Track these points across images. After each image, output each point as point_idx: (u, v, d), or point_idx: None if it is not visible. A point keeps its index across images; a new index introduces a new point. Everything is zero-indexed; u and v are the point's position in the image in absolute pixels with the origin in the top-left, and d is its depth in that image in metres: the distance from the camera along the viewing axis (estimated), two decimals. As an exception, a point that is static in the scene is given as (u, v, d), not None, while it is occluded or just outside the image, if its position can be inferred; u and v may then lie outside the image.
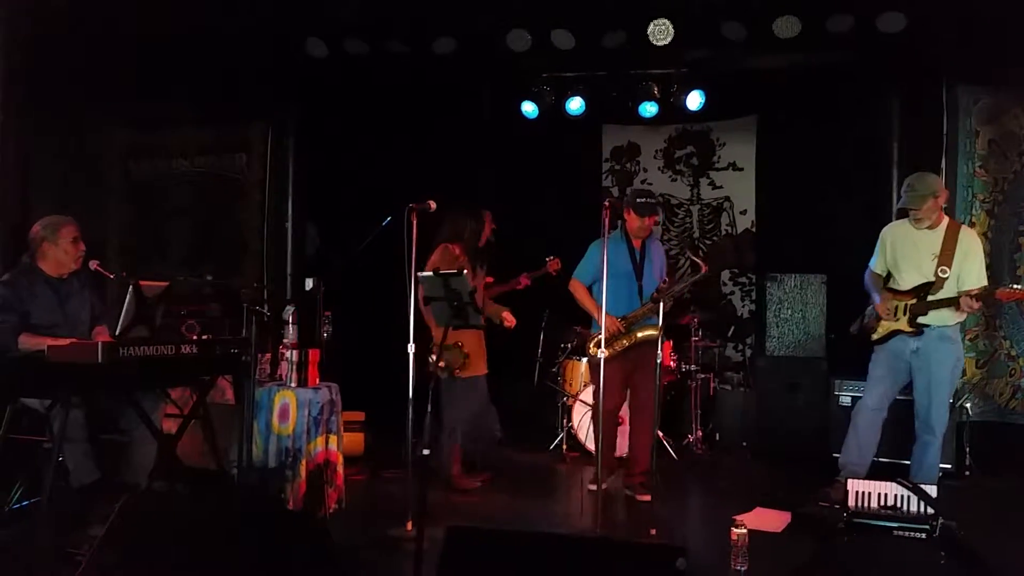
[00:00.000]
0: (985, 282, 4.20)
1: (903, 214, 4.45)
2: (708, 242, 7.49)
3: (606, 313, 4.46)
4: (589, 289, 4.70)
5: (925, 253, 4.28)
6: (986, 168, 5.40)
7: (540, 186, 7.22)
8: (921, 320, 4.25)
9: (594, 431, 4.78)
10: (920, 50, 5.36)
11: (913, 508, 3.54)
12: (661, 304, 4.49)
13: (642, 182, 7.59)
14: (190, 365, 3.64)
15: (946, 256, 4.20)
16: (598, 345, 4.58)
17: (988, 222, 5.38)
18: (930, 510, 3.48)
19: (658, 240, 4.97)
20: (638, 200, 4.59)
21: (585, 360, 5.82)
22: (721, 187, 7.46)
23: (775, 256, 6.78)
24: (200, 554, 2.79)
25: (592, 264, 4.65)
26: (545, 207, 7.19)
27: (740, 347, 7.23)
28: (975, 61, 5.28)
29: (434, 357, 4.12)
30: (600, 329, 4.56)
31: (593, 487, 4.41)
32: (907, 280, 4.34)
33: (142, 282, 3.58)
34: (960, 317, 4.30)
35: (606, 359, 4.45)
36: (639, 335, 4.54)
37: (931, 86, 5.48)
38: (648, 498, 4.46)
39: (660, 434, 5.51)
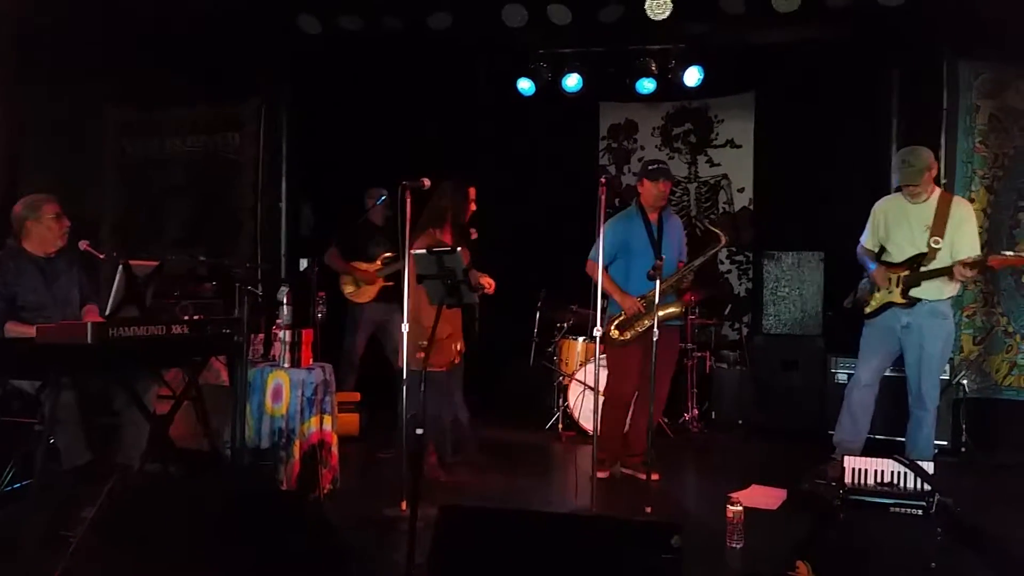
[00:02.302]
0: (979, 251, 4.17)
1: (892, 188, 4.41)
2: (706, 220, 7.44)
3: (627, 294, 4.38)
4: (607, 268, 4.44)
5: (917, 225, 4.25)
6: (986, 143, 5.34)
7: (537, 164, 7.16)
8: (914, 292, 4.23)
9: (604, 416, 4.47)
10: (921, 24, 5.28)
11: (909, 485, 3.53)
12: (683, 280, 4.38)
13: (639, 160, 7.53)
14: (181, 346, 3.59)
15: (938, 227, 4.17)
16: (619, 327, 4.40)
17: (987, 198, 5.33)
18: (926, 486, 3.47)
19: (675, 214, 4.76)
20: (650, 167, 4.45)
21: (582, 339, 5.79)
22: (719, 164, 7.40)
23: (772, 234, 6.74)
24: (194, 535, 2.78)
25: (609, 243, 4.37)
26: (542, 185, 7.13)
27: (737, 325, 7.19)
28: (977, 34, 5.20)
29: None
30: (619, 310, 4.42)
31: (600, 475, 4.25)
32: (900, 253, 4.32)
33: (132, 261, 3.53)
34: (953, 291, 4.28)
35: (625, 341, 4.37)
36: (660, 313, 4.20)
37: (932, 60, 5.42)
38: (643, 476, 4.41)
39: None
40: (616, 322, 4.42)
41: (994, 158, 5.33)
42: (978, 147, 5.36)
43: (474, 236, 4.67)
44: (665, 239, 4.48)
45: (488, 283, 4.52)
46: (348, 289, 5.56)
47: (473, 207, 4.57)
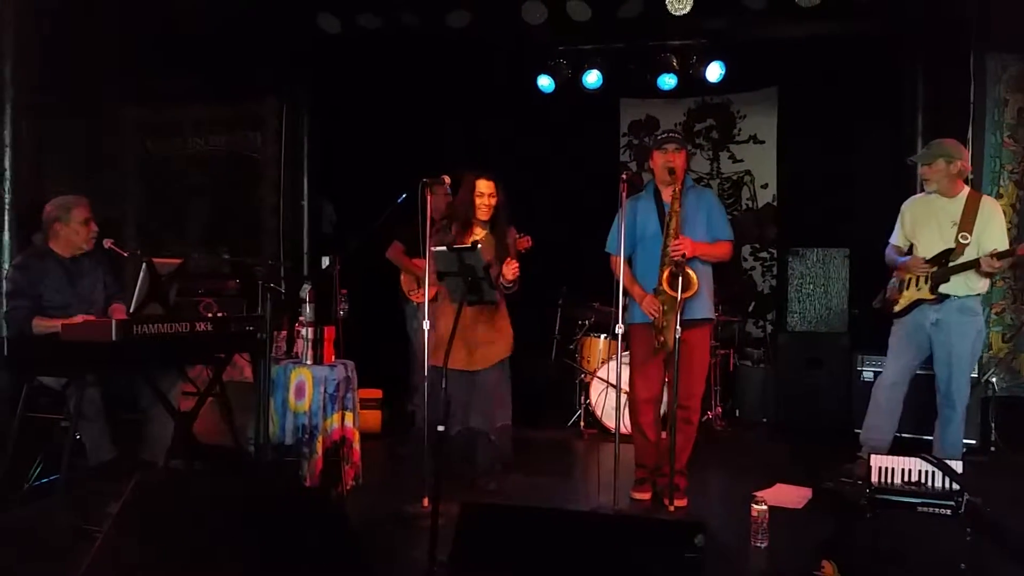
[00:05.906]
0: (1007, 245, 4.09)
1: (918, 184, 4.27)
2: (728, 217, 7.37)
3: (643, 292, 3.96)
4: (629, 261, 4.05)
5: (945, 221, 4.17)
6: (1015, 137, 5.25)
7: (557, 162, 7.14)
8: (943, 288, 4.14)
9: (632, 432, 4.20)
10: (947, 17, 5.20)
11: (938, 484, 3.46)
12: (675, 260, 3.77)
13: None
14: (205, 343, 3.62)
15: (967, 222, 4.09)
16: (658, 332, 3.89)
17: (1016, 193, 5.24)
18: (955, 486, 3.40)
19: (705, 189, 4.08)
20: (659, 136, 4.02)
21: (603, 337, 5.77)
22: (742, 160, 7.34)
23: (797, 230, 6.67)
24: (217, 531, 2.79)
25: (621, 228, 3.97)
26: (562, 183, 7.11)
27: (761, 323, 7.14)
28: (1005, 27, 5.11)
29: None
30: (643, 316, 3.96)
31: (637, 495, 4.10)
32: (928, 249, 4.23)
33: (156, 259, 3.56)
34: (983, 287, 4.18)
35: (666, 344, 3.89)
36: (685, 302, 3.78)
37: (958, 54, 5.32)
38: (684, 503, 4.00)
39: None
40: (656, 330, 3.94)
41: (1023, 153, 5.23)
42: (1006, 142, 5.26)
43: (528, 244, 4.38)
44: (686, 219, 3.92)
45: (513, 270, 4.08)
46: (410, 287, 5.35)
47: (491, 201, 4.13)
